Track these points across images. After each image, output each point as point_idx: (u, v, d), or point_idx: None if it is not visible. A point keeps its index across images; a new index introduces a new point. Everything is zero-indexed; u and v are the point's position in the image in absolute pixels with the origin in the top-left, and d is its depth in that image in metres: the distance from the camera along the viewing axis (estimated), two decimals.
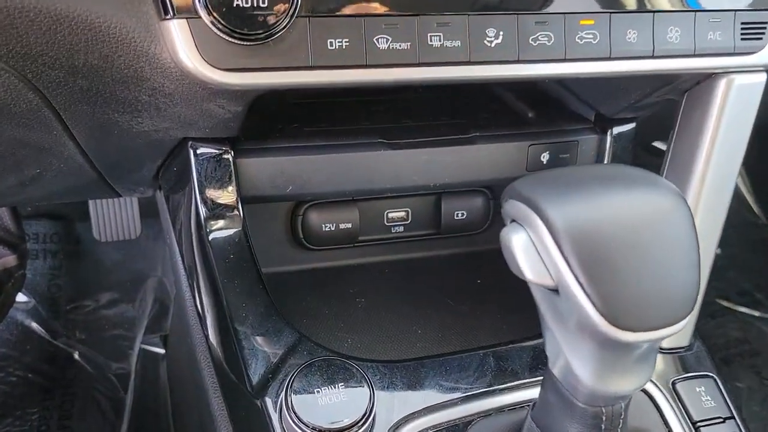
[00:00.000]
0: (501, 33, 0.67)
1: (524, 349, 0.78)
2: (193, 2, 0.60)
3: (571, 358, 0.58)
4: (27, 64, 0.64)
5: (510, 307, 1.01)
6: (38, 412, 1.61)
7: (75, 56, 0.65)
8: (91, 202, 1.67)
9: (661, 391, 0.77)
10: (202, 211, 0.81)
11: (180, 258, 0.91)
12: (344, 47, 0.65)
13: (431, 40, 0.66)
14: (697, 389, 0.78)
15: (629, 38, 0.71)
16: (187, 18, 0.61)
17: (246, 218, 0.87)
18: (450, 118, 0.99)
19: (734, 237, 2.32)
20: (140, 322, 1.81)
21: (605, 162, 0.96)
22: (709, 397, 0.78)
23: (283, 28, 0.62)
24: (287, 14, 0.61)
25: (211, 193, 0.82)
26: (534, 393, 0.73)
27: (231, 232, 0.82)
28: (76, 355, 1.73)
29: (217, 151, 0.82)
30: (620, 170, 0.60)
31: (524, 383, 0.75)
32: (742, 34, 0.74)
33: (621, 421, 0.61)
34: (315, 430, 0.65)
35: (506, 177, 0.95)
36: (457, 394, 0.73)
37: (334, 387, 0.67)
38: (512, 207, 0.58)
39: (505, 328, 0.97)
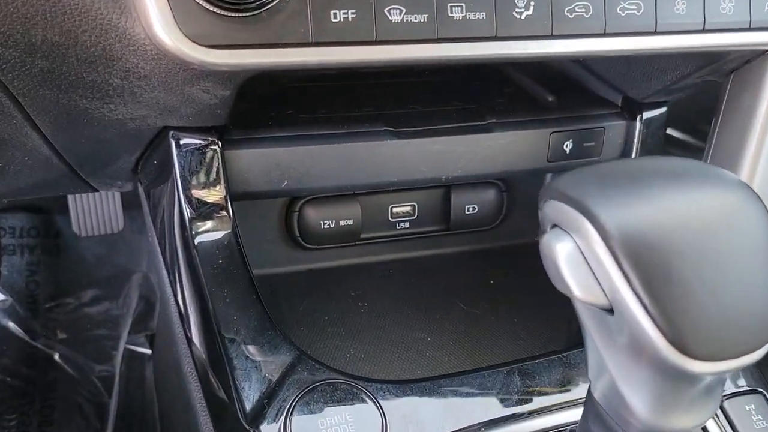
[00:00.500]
0: (532, 3, 0.58)
1: (553, 364, 0.69)
2: None
3: (624, 387, 0.49)
4: None
5: (528, 311, 0.92)
6: (17, 418, 1.52)
7: (32, 32, 0.54)
8: (70, 198, 1.57)
9: None
10: (187, 211, 0.71)
11: (163, 261, 0.81)
12: (350, 19, 0.55)
13: (452, 12, 0.56)
14: (747, 407, 0.69)
15: (678, 9, 0.61)
16: None
17: (236, 217, 0.77)
18: (463, 103, 0.89)
19: None
20: (124, 320, 1.71)
21: (633, 153, 0.87)
22: (760, 416, 0.69)
23: None
24: None
25: (197, 190, 0.72)
26: (567, 416, 0.65)
27: (219, 234, 0.72)
28: (57, 357, 1.62)
29: (202, 141, 0.72)
30: (678, 163, 0.50)
31: (556, 405, 0.66)
32: None
33: None
34: None
35: (525, 169, 0.86)
36: (480, 419, 0.64)
37: (341, 415, 0.58)
38: (554, 209, 0.49)
39: (524, 335, 0.88)
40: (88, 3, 0.52)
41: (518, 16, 0.58)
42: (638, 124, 0.86)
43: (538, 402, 0.66)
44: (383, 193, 0.94)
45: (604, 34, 0.60)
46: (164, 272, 0.81)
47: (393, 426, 0.61)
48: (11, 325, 1.65)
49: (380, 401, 0.60)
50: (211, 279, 0.70)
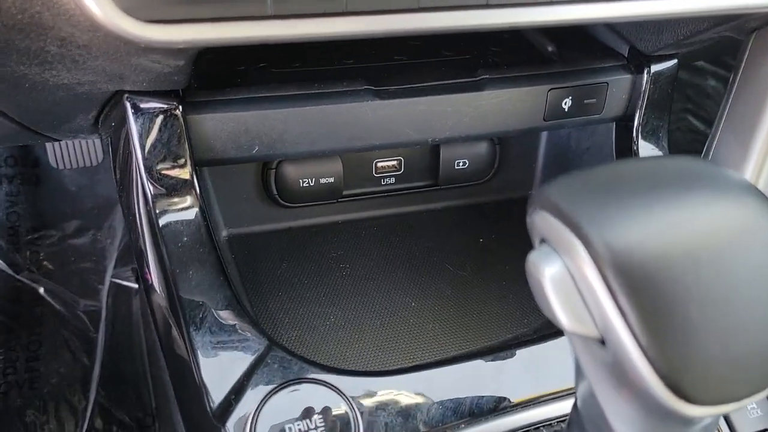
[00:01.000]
0: None
1: (550, 347, 0.65)
2: None
3: (613, 421, 0.45)
4: None
5: (518, 273, 0.88)
6: (3, 354, 1.51)
7: None
8: None
9: None
10: (147, 182, 0.65)
11: (126, 224, 0.76)
12: None
13: None
14: None
15: None
16: None
17: (203, 188, 0.71)
18: (454, 53, 0.81)
19: None
20: (110, 253, 1.68)
21: (638, 111, 0.80)
22: (754, 404, 0.66)
23: None
24: None
25: (158, 158, 0.66)
26: (557, 409, 0.61)
27: (185, 211, 0.66)
28: (42, 291, 1.60)
29: (162, 105, 0.65)
30: (685, 169, 0.44)
31: (554, 394, 0.62)
32: None
33: None
34: None
35: (518, 129, 0.79)
36: (462, 416, 0.60)
37: (311, 420, 0.55)
38: (544, 222, 0.43)
39: (513, 300, 0.84)
40: None
41: None
42: (645, 78, 0.79)
43: (529, 392, 0.62)
44: None
45: None
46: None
47: (369, 422, 0.58)
48: None
49: (354, 401, 0.56)
50: (176, 260, 0.65)
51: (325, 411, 0.55)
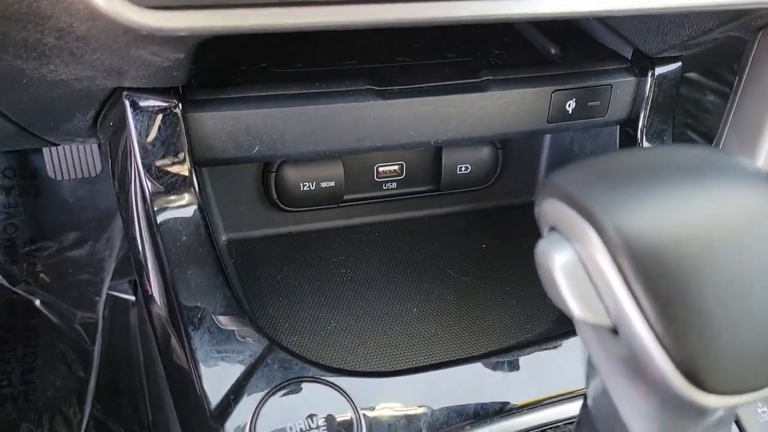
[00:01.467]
0: None
1: (548, 351, 0.64)
2: None
3: (628, 419, 0.43)
4: None
5: (520, 279, 0.86)
6: None
7: None
8: None
9: None
10: (146, 181, 0.64)
11: (124, 228, 0.75)
12: None
13: None
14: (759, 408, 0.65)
15: None
16: None
17: (203, 187, 0.70)
18: (457, 55, 0.81)
19: None
20: (108, 265, 1.66)
21: (642, 114, 0.79)
22: (765, 407, 0.65)
23: None
24: None
25: (156, 156, 0.65)
26: (565, 411, 0.60)
27: (184, 210, 0.65)
28: (38, 303, 1.58)
29: (161, 103, 0.64)
30: (700, 157, 0.43)
31: (560, 396, 0.60)
32: None
33: None
34: None
35: (522, 130, 0.78)
36: (470, 417, 0.59)
37: (312, 419, 0.53)
38: (553, 210, 0.42)
39: (516, 306, 0.83)
40: None
41: None
42: (649, 81, 0.78)
43: (532, 394, 0.60)
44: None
45: None
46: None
47: (372, 424, 0.56)
48: None
49: (356, 401, 0.55)
50: (174, 260, 0.63)
51: (327, 411, 0.54)
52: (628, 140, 0.83)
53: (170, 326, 0.62)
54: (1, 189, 1.70)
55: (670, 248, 0.38)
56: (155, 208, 0.64)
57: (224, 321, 0.61)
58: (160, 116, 0.64)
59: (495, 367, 0.62)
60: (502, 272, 0.88)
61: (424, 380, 0.60)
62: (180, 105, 0.65)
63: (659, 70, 0.78)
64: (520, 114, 0.75)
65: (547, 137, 0.94)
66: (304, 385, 0.55)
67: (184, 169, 0.65)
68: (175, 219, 0.65)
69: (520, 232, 0.94)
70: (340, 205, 0.88)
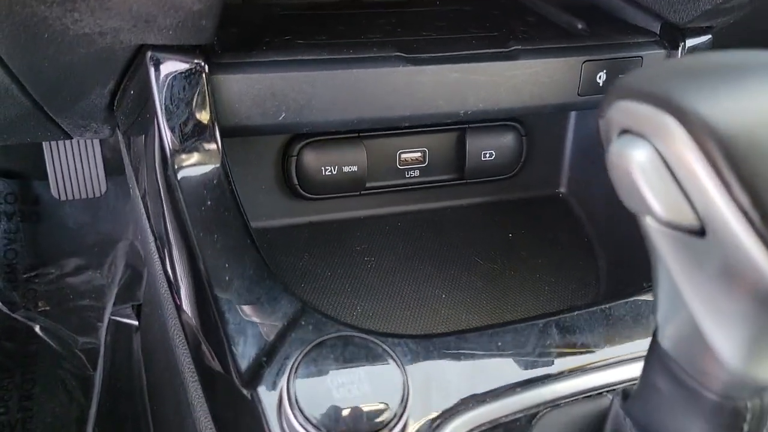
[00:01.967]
0: None
1: (594, 316, 0.60)
2: None
3: (711, 329, 0.39)
4: None
5: (551, 267, 0.83)
6: None
7: None
8: (47, 156, 1.46)
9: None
10: (168, 143, 0.61)
11: (144, 209, 0.71)
12: None
13: None
14: None
15: None
16: None
17: (227, 155, 0.67)
18: (481, 32, 0.79)
19: None
20: (110, 290, 1.61)
21: None
22: None
23: None
24: None
25: (181, 120, 0.62)
26: (616, 375, 0.56)
27: (207, 170, 0.62)
28: (38, 329, 1.53)
29: (186, 64, 0.62)
30: None
31: (603, 362, 0.56)
32: None
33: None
34: (327, 431, 0.47)
35: (553, 103, 0.76)
36: (514, 378, 0.55)
37: (354, 373, 0.49)
38: (625, 112, 0.39)
39: (548, 291, 0.79)
40: None
41: None
42: (680, 54, 0.76)
43: (580, 359, 0.56)
44: (391, 136, 0.84)
45: None
46: (146, 226, 0.71)
47: (416, 386, 0.52)
48: None
49: (400, 358, 0.50)
50: (198, 222, 0.60)
51: (371, 366, 0.49)
52: None
53: (194, 292, 0.58)
54: (3, 215, 1.66)
55: (765, 134, 0.35)
56: (179, 175, 0.61)
57: (253, 283, 0.57)
58: (184, 77, 0.62)
59: (540, 333, 0.58)
60: (531, 261, 0.84)
61: (469, 341, 0.56)
62: (206, 66, 0.62)
63: (690, 42, 0.76)
64: (550, 84, 0.73)
65: (572, 125, 0.92)
66: (344, 342, 0.51)
67: (208, 131, 0.62)
68: (199, 182, 0.61)
69: (547, 224, 0.91)
70: (362, 193, 0.85)
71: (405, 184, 0.87)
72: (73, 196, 1.49)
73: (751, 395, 0.41)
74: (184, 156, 0.62)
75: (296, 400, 0.48)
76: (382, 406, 0.48)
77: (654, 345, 0.45)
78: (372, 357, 0.50)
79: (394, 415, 0.48)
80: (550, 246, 0.87)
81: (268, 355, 0.53)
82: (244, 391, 0.52)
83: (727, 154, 0.34)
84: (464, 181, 0.88)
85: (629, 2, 0.80)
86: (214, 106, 0.63)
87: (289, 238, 0.83)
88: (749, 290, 0.35)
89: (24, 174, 1.70)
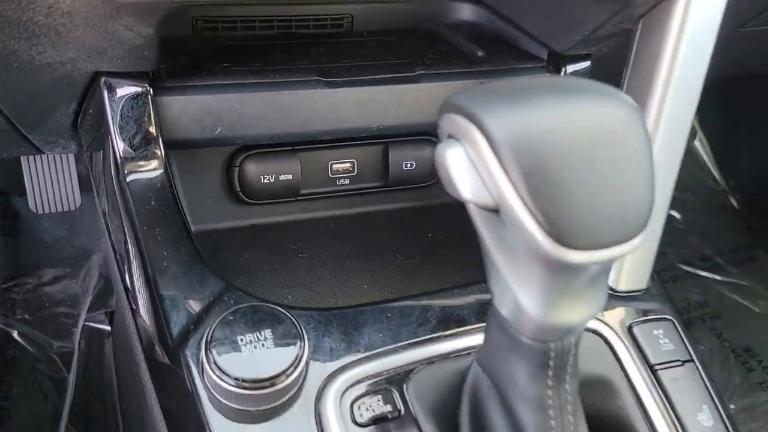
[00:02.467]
0: None
1: (471, 292, 0.72)
2: None
3: (517, 289, 0.52)
4: None
5: (463, 263, 0.95)
6: None
7: None
8: (26, 173, 1.57)
9: (618, 335, 0.72)
10: (120, 153, 0.74)
11: (102, 210, 0.83)
12: None
13: None
14: (655, 332, 0.73)
15: None
16: None
17: (172, 163, 0.79)
18: (395, 59, 0.92)
19: (697, 204, 2.30)
20: (84, 299, 1.72)
21: None
22: (667, 340, 0.73)
23: None
24: None
25: (130, 134, 0.75)
26: (480, 339, 0.68)
27: (152, 175, 0.74)
28: (16, 335, 1.63)
29: (134, 88, 0.75)
30: (572, 81, 0.54)
31: (471, 329, 0.69)
32: None
33: (571, 358, 0.55)
34: (238, 381, 0.59)
35: None
36: (398, 342, 0.67)
37: (260, 335, 0.61)
38: (448, 121, 0.52)
39: (452, 273, 0.91)
40: None
41: None
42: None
43: (454, 326, 0.69)
44: (322, 149, 0.96)
45: None
46: (104, 226, 0.83)
47: (314, 347, 0.64)
48: None
49: (301, 324, 0.63)
50: (143, 218, 0.72)
51: (274, 330, 0.61)
52: None
53: (140, 274, 0.70)
54: None
55: (536, 141, 0.48)
56: (128, 178, 0.73)
57: (187, 268, 0.69)
58: (133, 99, 0.74)
59: (424, 305, 0.70)
60: (446, 257, 0.97)
61: (364, 312, 0.68)
62: (151, 90, 0.75)
63: (571, 68, 0.90)
64: None
65: None
66: (253, 309, 0.63)
67: (154, 146, 0.75)
68: (145, 186, 0.74)
69: (464, 226, 1.03)
70: (298, 198, 0.97)
71: (336, 191, 0.99)
72: (50, 209, 1.60)
73: (554, 338, 0.54)
74: (132, 164, 0.74)
75: (212, 356, 0.60)
76: (281, 359, 0.60)
77: (491, 307, 0.57)
78: (277, 322, 0.62)
79: (291, 365, 0.60)
80: (464, 245, 0.99)
81: (195, 324, 0.65)
82: (175, 350, 0.64)
83: (509, 155, 0.47)
84: (389, 188, 1.01)
85: (522, 33, 0.94)
86: (159, 123, 0.76)
87: (233, 239, 0.95)
88: (531, 254, 0.48)
89: (4, 191, 1.82)
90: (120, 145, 0.74)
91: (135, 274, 0.71)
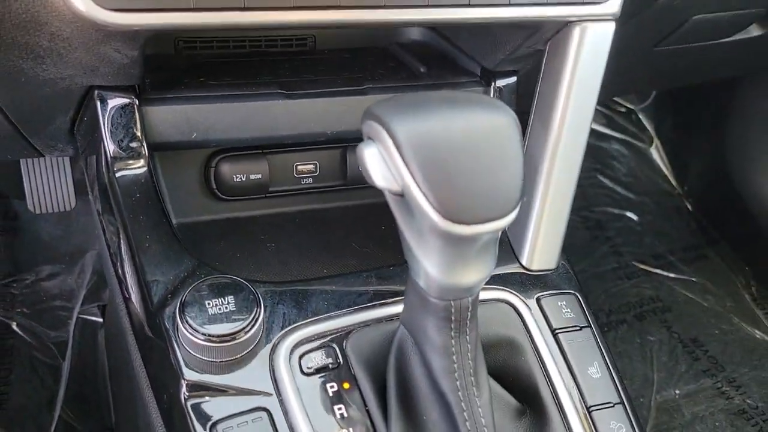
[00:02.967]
0: None
1: (404, 270, 0.86)
2: None
3: (423, 259, 0.66)
4: None
5: None
6: None
7: None
8: (25, 175, 1.71)
9: (527, 305, 0.87)
10: (110, 153, 0.88)
11: (95, 204, 0.97)
12: None
13: None
14: (559, 303, 0.88)
15: None
16: None
17: (156, 164, 0.93)
18: (349, 74, 1.07)
19: (653, 207, 2.46)
20: (79, 293, 1.85)
21: None
22: (569, 310, 0.88)
23: None
24: None
25: (118, 138, 0.89)
26: None
27: (137, 172, 0.88)
28: (15, 326, 1.76)
29: (122, 100, 0.89)
30: (465, 95, 0.68)
31: (401, 299, 0.83)
32: None
33: (469, 314, 0.69)
34: (206, 336, 0.73)
35: None
36: (341, 309, 0.81)
37: (224, 300, 0.75)
38: (367, 126, 0.66)
39: (395, 255, 1.05)
40: None
41: None
42: (492, 91, 1.05)
43: (388, 296, 0.83)
44: (288, 152, 1.11)
45: (427, 5, 0.78)
46: (98, 220, 0.97)
47: (269, 312, 0.78)
48: None
49: (259, 293, 0.77)
50: (129, 208, 0.86)
51: (236, 296, 0.76)
52: None
53: (126, 254, 0.84)
54: None
55: (431, 141, 0.62)
56: (117, 174, 0.87)
57: (165, 248, 0.83)
58: (122, 108, 0.88)
59: (364, 280, 0.85)
60: (396, 245, 1.11)
61: (313, 285, 0.83)
62: (136, 101, 0.89)
63: (500, 82, 1.05)
64: None
65: None
66: (219, 281, 0.77)
67: (139, 147, 0.89)
68: (131, 181, 0.88)
69: None
70: (267, 195, 1.11)
71: (301, 189, 1.13)
72: (47, 209, 1.73)
73: (454, 297, 0.68)
74: (121, 163, 0.88)
75: (185, 317, 0.74)
76: (241, 319, 0.74)
77: (409, 276, 0.72)
78: (238, 290, 0.77)
79: (249, 324, 0.74)
80: None
81: (172, 294, 0.79)
82: (155, 313, 0.78)
83: (410, 153, 0.61)
84: (347, 187, 1.15)
85: (460, 51, 1.09)
86: (143, 129, 0.90)
87: (210, 230, 1.09)
88: (432, 231, 0.62)
89: (4, 194, 1.96)
90: (111, 147, 0.88)
91: (125, 261, 0.85)
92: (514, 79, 1.06)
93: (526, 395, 0.81)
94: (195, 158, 1.07)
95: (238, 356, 0.75)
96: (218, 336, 0.73)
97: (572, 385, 0.81)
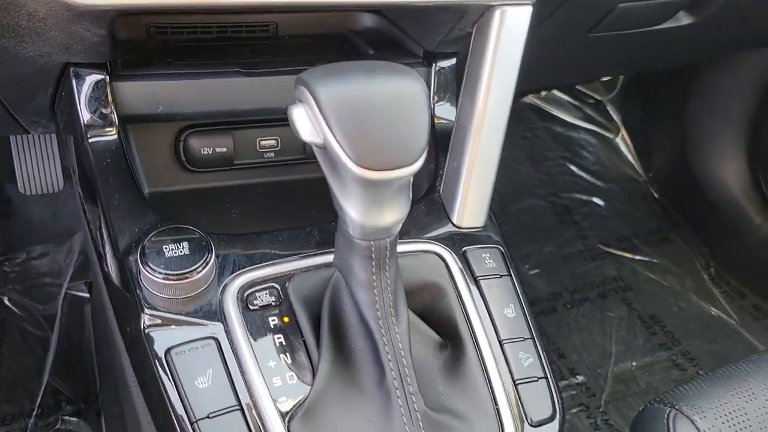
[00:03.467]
0: None
1: None
2: None
3: (346, 204, 0.77)
4: None
5: None
6: None
7: None
8: (15, 159, 1.82)
9: (453, 256, 0.98)
10: (84, 121, 0.99)
11: (73, 171, 1.08)
12: None
13: None
14: (483, 255, 0.98)
15: None
16: None
17: (130, 137, 1.05)
18: (305, 55, 1.18)
19: (619, 192, 2.57)
20: (67, 271, 1.97)
21: (432, 91, 1.16)
22: (492, 261, 0.98)
23: None
24: None
25: (92, 109, 1.00)
26: None
27: (108, 139, 1.00)
28: (6, 301, 1.88)
29: (96, 76, 1.00)
30: (382, 64, 0.80)
31: None
32: None
33: (388, 252, 0.80)
34: (163, 274, 0.84)
35: None
36: (283, 255, 0.93)
37: (180, 245, 0.86)
38: (298, 90, 0.77)
39: None
40: None
41: None
42: (433, 71, 1.16)
43: (328, 247, 0.94)
44: (252, 128, 1.22)
45: None
46: (77, 181, 1.08)
47: (220, 258, 0.90)
48: None
49: (211, 241, 0.88)
50: (101, 172, 0.97)
51: (190, 242, 0.87)
52: None
53: (98, 212, 0.95)
54: None
55: (348, 101, 0.73)
56: (90, 140, 0.99)
57: (132, 205, 0.94)
58: (95, 84, 0.99)
59: (308, 232, 0.96)
60: None
61: (262, 236, 0.94)
62: (108, 77, 1.00)
63: (440, 63, 1.16)
64: None
65: None
66: (175, 229, 0.88)
67: (110, 116, 1.00)
68: (103, 147, 0.99)
69: None
70: (232, 168, 1.22)
71: (264, 162, 1.24)
72: (37, 191, 1.84)
73: (374, 237, 0.79)
74: (94, 131, 0.99)
75: (145, 259, 0.85)
76: (194, 260, 0.85)
77: (338, 221, 0.83)
78: (192, 237, 0.88)
79: (201, 264, 0.85)
80: None
81: (136, 243, 0.90)
82: (120, 259, 0.89)
83: (329, 113, 0.72)
84: (307, 161, 1.26)
85: (405, 35, 1.20)
86: (114, 102, 1.01)
87: (180, 199, 1.20)
88: (351, 178, 0.73)
89: None
90: (86, 116, 0.99)
91: (94, 211, 0.96)
92: (453, 60, 1.17)
93: (448, 332, 0.92)
94: (166, 133, 1.18)
95: (192, 294, 0.86)
96: (174, 274, 0.84)
97: (488, 323, 0.92)
